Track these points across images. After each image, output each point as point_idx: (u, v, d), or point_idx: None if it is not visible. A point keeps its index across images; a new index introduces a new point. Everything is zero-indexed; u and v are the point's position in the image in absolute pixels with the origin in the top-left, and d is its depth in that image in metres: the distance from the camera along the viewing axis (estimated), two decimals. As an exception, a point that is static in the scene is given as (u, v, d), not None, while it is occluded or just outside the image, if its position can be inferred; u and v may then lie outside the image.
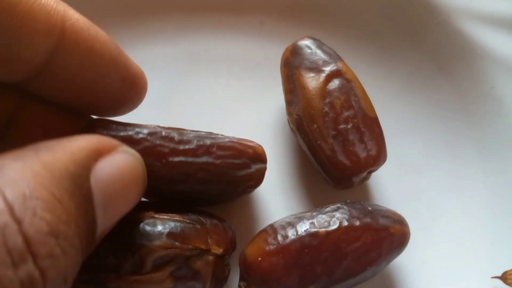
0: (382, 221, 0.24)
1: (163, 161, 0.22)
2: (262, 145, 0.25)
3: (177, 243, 0.22)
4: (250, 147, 0.24)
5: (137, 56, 0.32)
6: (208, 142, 0.23)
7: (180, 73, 0.32)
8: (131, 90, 0.24)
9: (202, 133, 0.24)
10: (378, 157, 0.26)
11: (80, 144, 0.16)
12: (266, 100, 0.31)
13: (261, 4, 0.34)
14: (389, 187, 0.30)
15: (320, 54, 0.28)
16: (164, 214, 0.23)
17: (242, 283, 0.23)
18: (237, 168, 0.24)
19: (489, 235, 0.28)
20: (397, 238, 0.24)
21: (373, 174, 0.28)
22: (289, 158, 0.30)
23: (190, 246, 0.22)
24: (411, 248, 0.25)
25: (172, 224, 0.23)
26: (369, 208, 0.25)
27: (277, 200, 0.29)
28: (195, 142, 0.23)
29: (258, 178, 0.25)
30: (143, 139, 0.22)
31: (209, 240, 0.23)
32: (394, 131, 0.30)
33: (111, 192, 0.17)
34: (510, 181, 0.29)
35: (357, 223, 0.23)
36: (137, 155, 0.19)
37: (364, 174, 0.27)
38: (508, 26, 0.32)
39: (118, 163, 0.18)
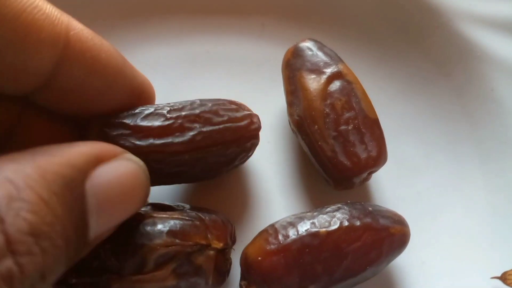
0: (382, 221, 0.24)
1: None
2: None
3: (177, 240, 0.22)
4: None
5: (139, 57, 0.32)
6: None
7: (182, 74, 0.32)
8: (140, 99, 0.24)
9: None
10: (378, 158, 0.26)
11: (80, 149, 0.17)
12: (267, 102, 0.31)
13: (262, 6, 0.34)
14: (389, 188, 0.30)
15: (321, 56, 0.28)
16: (163, 213, 0.23)
17: (243, 282, 0.24)
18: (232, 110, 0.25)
19: (489, 236, 0.28)
20: (398, 238, 0.24)
21: (374, 175, 0.28)
22: (290, 159, 0.30)
23: (190, 243, 0.22)
24: (411, 248, 0.25)
25: (172, 222, 0.23)
26: (370, 209, 0.25)
27: (277, 200, 0.29)
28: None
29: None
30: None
31: (209, 236, 0.23)
32: (394, 133, 0.30)
33: (107, 198, 0.17)
34: (510, 182, 0.29)
35: (358, 223, 0.24)
36: (141, 163, 0.20)
37: (365, 175, 0.27)
38: (508, 28, 0.32)
39: (117, 170, 0.18)
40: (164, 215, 0.23)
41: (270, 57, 0.32)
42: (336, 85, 0.27)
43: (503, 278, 0.27)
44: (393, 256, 0.25)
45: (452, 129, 0.31)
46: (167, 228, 0.22)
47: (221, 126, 0.24)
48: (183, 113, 0.23)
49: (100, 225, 0.17)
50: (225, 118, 0.24)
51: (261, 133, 0.29)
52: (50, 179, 0.15)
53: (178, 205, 0.25)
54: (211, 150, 0.24)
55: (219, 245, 0.23)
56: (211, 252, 0.23)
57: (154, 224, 0.23)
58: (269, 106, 0.31)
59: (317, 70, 0.28)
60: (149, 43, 0.33)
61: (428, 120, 0.32)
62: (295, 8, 0.34)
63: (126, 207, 0.19)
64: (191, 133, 0.23)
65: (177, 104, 0.24)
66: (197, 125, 0.23)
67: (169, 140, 0.23)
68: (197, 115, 0.24)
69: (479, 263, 0.27)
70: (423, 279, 0.27)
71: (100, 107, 0.23)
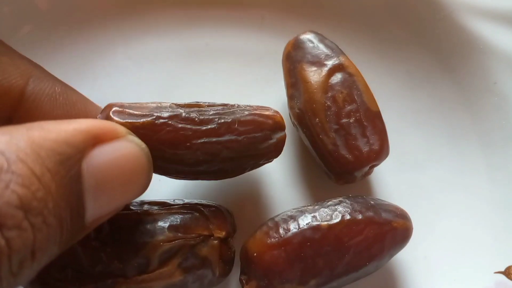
0: (384, 215, 0.24)
1: (187, 144, 0.21)
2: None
3: (180, 234, 0.22)
4: (269, 117, 0.24)
5: (139, 50, 0.32)
6: (228, 119, 0.23)
7: (181, 67, 0.32)
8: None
9: (219, 107, 0.23)
10: (380, 152, 0.26)
11: (78, 126, 0.16)
12: (267, 95, 0.31)
13: (262, -1, 0.33)
14: (391, 182, 0.29)
15: (322, 48, 0.28)
16: (161, 209, 0.23)
17: (243, 277, 0.23)
18: (259, 142, 0.23)
19: (492, 230, 0.28)
20: (400, 232, 0.24)
21: (375, 169, 0.28)
22: (290, 153, 0.30)
23: (193, 235, 0.22)
24: (413, 243, 0.25)
25: (171, 217, 0.23)
26: (372, 202, 0.24)
27: (278, 194, 0.29)
28: (216, 120, 0.22)
29: (279, 147, 0.25)
30: (165, 123, 0.21)
31: (210, 226, 0.23)
32: (396, 126, 0.30)
33: (105, 180, 0.17)
34: (513, 176, 0.29)
35: (360, 217, 0.23)
36: (143, 145, 0.19)
37: (366, 168, 0.27)
38: (511, 21, 0.31)
39: (117, 151, 0.17)
40: (162, 211, 0.23)
41: (270, 49, 0.32)
42: (337, 77, 0.27)
43: (507, 272, 0.26)
44: (395, 250, 0.24)
45: (455, 122, 0.31)
46: (167, 224, 0.22)
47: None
48: None
49: (97, 208, 0.17)
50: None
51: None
52: (44, 155, 0.14)
53: (174, 201, 0.24)
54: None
55: (221, 234, 0.23)
56: (215, 242, 0.23)
57: (154, 221, 0.22)
58: (269, 100, 0.31)
59: (318, 63, 0.27)
60: (148, 35, 0.32)
61: (431, 113, 0.31)
62: (295, 0, 0.33)
63: (126, 190, 0.18)
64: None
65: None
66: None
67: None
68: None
69: (483, 257, 0.27)
70: (425, 274, 0.27)
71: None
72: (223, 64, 0.32)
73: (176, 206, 0.23)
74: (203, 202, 0.24)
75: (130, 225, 0.22)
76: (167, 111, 0.22)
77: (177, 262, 0.22)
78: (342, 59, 0.28)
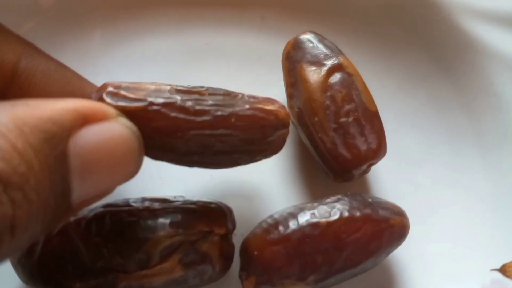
0: (382, 212, 0.24)
1: (178, 134, 0.20)
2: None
3: (181, 230, 0.22)
4: (271, 113, 0.22)
5: (138, 49, 0.32)
6: (226, 112, 0.21)
7: (181, 66, 0.32)
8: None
9: (219, 97, 0.22)
10: (378, 150, 0.26)
11: (66, 105, 0.16)
12: (267, 94, 0.30)
13: (262, -2, 0.34)
14: (388, 181, 0.30)
15: (321, 48, 0.28)
16: (162, 206, 0.23)
17: (242, 273, 0.23)
18: (257, 138, 0.22)
19: (488, 228, 0.28)
20: (397, 229, 0.24)
21: (373, 168, 0.28)
22: (289, 151, 0.30)
23: (194, 231, 0.22)
24: (410, 241, 0.25)
25: (172, 213, 0.23)
26: (369, 200, 0.25)
27: (277, 192, 0.29)
28: (212, 112, 0.21)
29: (278, 145, 0.23)
30: (157, 111, 0.20)
31: (210, 223, 0.23)
32: (394, 125, 0.30)
33: (92, 161, 0.16)
34: (509, 175, 0.29)
35: (358, 214, 0.24)
36: (134, 128, 0.19)
37: (364, 167, 0.27)
38: (508, 22, 0.32)
39: (106, 132, 0.17)
40: (163, 208, 0.23)
41: (270, 49, 0.32)
42: (336, 77, 0.27)
43: (503, 270, 0.27)
44: (392, 247, 0.25)
45: (452, 122, 0.31)
46: (168, 220, 0.22)
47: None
48: None
49: (84, 190, 0.16)
50: None
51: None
52: (28, 131, 0.14)
53: (175, 197, 0.25)
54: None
55: (222, 230, 0.23)
56: (215, 238, 0.23)
57: (155, 217, 0.23)
58: (269, 99, 0.31)
59: (317, 62, 0.28)
60: (148, 35, 0.33)
61: (428, 113, 0.32)
62: (295, 1, 0.34)
63: (114, 173, 0.18)
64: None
65: None
66: None
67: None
68: None
69: (479, 255, 0.27)
70: (422, 271, 0.27)
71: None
72: (223, 63, 0.32)
73: (177, 203, 0.24)
74: (204, 199, 0.24)
75: (131, 221, 0.22)
76: (162, 97, 0.20)
77: (177, 258, 0.22)
78: (341, 59, 0.28)
